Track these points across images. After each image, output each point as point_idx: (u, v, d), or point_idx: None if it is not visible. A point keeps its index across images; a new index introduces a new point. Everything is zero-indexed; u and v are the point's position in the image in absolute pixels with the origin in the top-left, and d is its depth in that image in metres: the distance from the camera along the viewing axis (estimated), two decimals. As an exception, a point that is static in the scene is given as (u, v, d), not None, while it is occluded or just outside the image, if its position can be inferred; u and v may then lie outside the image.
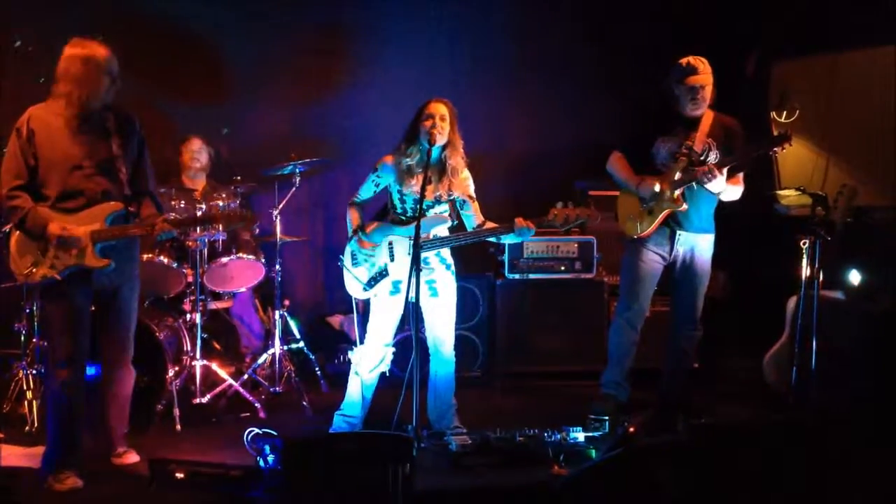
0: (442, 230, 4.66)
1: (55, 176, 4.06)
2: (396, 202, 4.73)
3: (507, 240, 4.69)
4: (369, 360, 4.72)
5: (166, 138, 6.06)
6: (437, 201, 4.66)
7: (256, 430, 4.13)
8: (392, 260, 4.64)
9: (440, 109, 4.59)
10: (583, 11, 6.98)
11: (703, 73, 4.88)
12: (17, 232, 4.11)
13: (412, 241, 4.22)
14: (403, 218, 4.70)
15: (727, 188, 4.88)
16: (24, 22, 5.98)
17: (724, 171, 4.78)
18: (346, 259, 4.75)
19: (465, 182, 4.72)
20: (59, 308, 4.11)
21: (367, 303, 4.85)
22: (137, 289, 4.38)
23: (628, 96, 6.53)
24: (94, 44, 4.04)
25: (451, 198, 4.68)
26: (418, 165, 4.61)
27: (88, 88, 4.01)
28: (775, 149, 4.79)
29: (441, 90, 4.76)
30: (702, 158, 4.93)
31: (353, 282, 4.74)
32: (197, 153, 5.96)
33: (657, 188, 4.89)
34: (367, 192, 4.78)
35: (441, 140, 4.55)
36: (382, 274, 4.64)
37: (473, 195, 4.73)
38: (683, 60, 4.92)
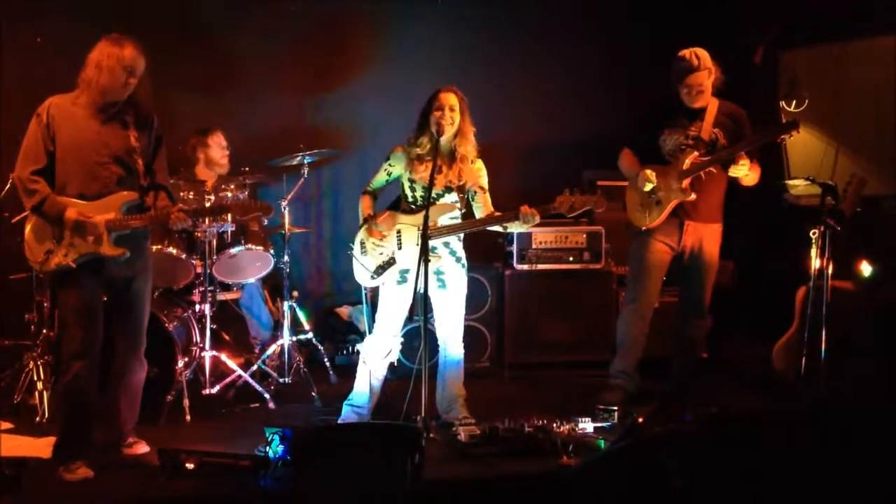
0: (449, 219, 4.67)
1: (72, 163, 4.10)
2: (407, 191, 4.74)
3: (513, 228, 4.66)
4: (378, 350, 4.73)
5: (173, 129, 6.04)
6: (448, 190, 4.67)
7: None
8: (399, 248, 4.65)
9: (450, 100, 4.60)
10: (592, 3, 6.96)
11: (700, 70, 4.88)
12: (34, 219, 4.15)
13: (419, 230, 4.23)
14: (413, 206, 4.71)
15: (753, 174, 4.91)
16: (30, 14, 6.01)
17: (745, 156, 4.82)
18: (356, 247, 4.76)
19: (477, 172, 4.73)
20: (72, 299, 4.13)
21: (375, 293, 4.87)
22: (150, 281, 4.41)
23: (637, 87, 6.51)
24: (127, 41, 4.11)
25: (462, 186, 4.69)
26: (428, 154, 4.62)
27: (108, 79, 4.06)
28: (783, 136, 4.81)
29: (450, 80, 4.76)
30: (709, 148, 4.93)
31: (362, 270, 4.74)
32: (225, 148, 5.90)
33: (650, 184, 4.90)
34: (379, 181, 4.78)
35: (450, 130, 4.57)
36: (390, 262, 4.65)
37: (485, 186, 4.73)
38: (681, 54, 4.93)
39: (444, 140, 4.60)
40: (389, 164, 4.72)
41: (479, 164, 4.75)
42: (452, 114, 4.57)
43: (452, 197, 4.70)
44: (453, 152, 4.63)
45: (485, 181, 4.74)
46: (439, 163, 4.60)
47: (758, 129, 4.99)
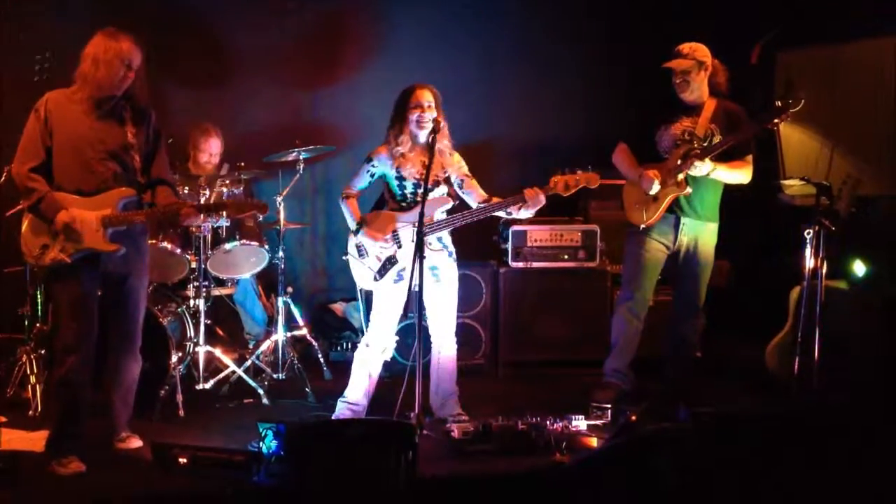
0: (441, 213, 4.70)
1: (68, 158, 4.10)
2: (396, 190, 4.74)
3: (521, 214, 4.65)
4: (373, 348, 4.73)
5: (170, 123, 6.01)
6: (435, 184, 4.69)
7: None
8: (399, 247, 4.64)
9: (426, 97, 4.64)
10: (592, 3, 6.96)
11: (686, 58, 4.91)
12: (31, 214, 4.14)
13: (415, 226, 4.23)
14: (404, 204, 4.72)
15: (723, 173, 4.89)
16: (29, 11, 6.00)
17: (707, 158, 4.80)
18: (353, 251, 4.75)
19: (458, 163, 4.79)
20: (66, 293, 4.13)
21: (370, 290, 4.86)
22: (146, 280, 4.41)
23: (634, 85, 6.52)
24: (123, 35, 4.11)
25: (447, 179, 4.75)
26: (411, 151, 4.66)
27: (106, 73, 4.06)
28: (774, 121, 4.81)
29: (447, 76, 4.77)
30: (704, 144, 4.93)
31: (363, 273, 4.73)
32: (214, 155, 5.89)
33: (656, 186, 4.90)
34: (362, 183, 4.80)
35: (428, 126, 4.59)
36: (392, 262, 4.65)
37: (470, 174, 4.79)
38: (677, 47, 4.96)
39: (422, 137, 4.62)
40: (373, 166, 4.73)
41: (457, 156, 4.80)
42: (429, 111, 4.60)
43: (441, 190, 4.73)
44: (431, 147, 4.62)
45: (467, 168, 4.80)
46: (422, 158, 4.65)
47: (749, 121, 5.00)
